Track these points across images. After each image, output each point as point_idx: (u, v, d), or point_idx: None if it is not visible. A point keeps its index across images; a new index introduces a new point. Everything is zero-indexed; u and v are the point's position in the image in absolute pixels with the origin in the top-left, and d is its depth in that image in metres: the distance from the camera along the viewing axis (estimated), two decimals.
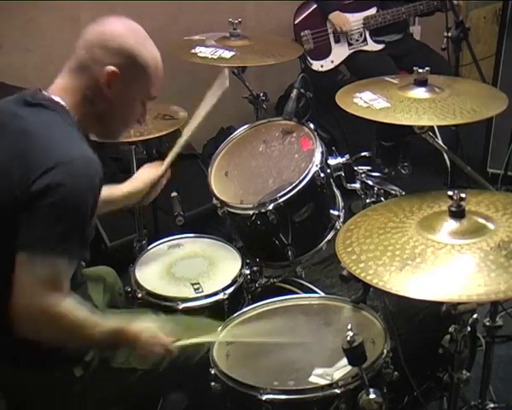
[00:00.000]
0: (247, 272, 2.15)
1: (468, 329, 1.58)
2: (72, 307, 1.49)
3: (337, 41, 3.58)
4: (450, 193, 1.48)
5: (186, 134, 2.10)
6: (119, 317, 1.68)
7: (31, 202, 1.43)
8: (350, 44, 3.58)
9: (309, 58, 3.55)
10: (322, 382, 1.54)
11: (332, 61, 3.58)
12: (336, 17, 3.52)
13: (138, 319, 1.64)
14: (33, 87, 1.62)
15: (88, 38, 1.59)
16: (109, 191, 1.95)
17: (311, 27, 3.55)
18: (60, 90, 1.59)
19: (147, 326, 1.63)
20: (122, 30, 1.60)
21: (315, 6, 3.61)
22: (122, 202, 2.03)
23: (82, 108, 1.58)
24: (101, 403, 1.73)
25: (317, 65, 3.56)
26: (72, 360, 1.64)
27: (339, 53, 3.59)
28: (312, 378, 1.57)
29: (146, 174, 2.05)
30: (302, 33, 3.53)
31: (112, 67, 1.55)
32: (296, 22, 3.59)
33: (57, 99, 1.56)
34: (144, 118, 1.72)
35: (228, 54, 2.56)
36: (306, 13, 3.60)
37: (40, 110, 1.54)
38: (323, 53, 3.58)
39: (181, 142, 2.08)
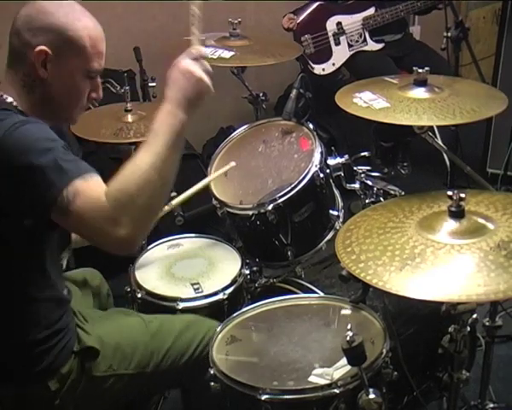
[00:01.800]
0: (247, 272, 2.15)
1: (468, 329, 1.58)
2: (110, 183, 1.39)
3: (337, 43, 3.58)
4: (449, 193, 1.48)
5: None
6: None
7: (8, 175, 1.38)
8: (350, 46, 3.58)
9: (310, 62, 3.54)
10: (322, 382, 1.54)
11: (333, 64, 3.58)
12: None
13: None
14: None
15: (16, 23, 1.54)
16: None
17: (311, 31, 3.55)
18: (6, 87, 1.54)
19: (169, 80, 1.49)
20: (48, 7, 1.52)
21: (313, 8, 3.60)
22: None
23: (26, 98, 1.53)
24: None
25: (318, 69, 3.56)
26: (45, 373, 1.59)
27: (340, 55, 3.59)
28: (312, 378, 1.57)
29: None
30: (302, 38, 3.52)
31: (41, 46, 1.48)
32: (296, 27, 3.58)
33: (4, 96, 1.52)
34: (98, 94, 1.62)
35: (227, 54, 2.56)
36: (305, 16, 3.60)
37: None
38: (324, 56, 3.58)
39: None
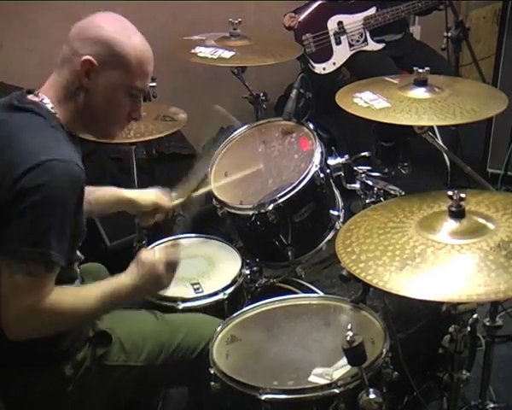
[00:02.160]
0: (247, 272, 2.15)
1: (468, 329, 1.58)
2: (57, 296, 1.48)
3: (338, 43, 3.58)
4: (450, 193, 1.48)
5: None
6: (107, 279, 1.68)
7: (10, 205, 1.42)
8: (351, 45, 3.58)
9: (311, 61, 3.54)
10: (322, 381, 1.54)
11: (334, 63, 3.58)
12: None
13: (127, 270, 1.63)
14: (23, 89, 1.61)
15: (71, 32, 1.59)
16: (115, 193, 1.96)
17: (312, 30, 3.54)
18: (47, 90, 1.59)
19: (136, 264, 1.62)
20: (101, 21, 1.58)
21: (314, 7, 3.60)
22: (123, 207, 2.01)
23: (66, 105, 1.57)
24: (98, 402, 1.72)
25: (319, 68, 3.56)
26: (61, 358, 1.63)
27: (340, 54, 3.59)
28: (312, 378, 1.57)
29: (155, 196, 2.02)
30: (303, 37, 3.52)
31: (87, 56, 1.53)
32: (297, 26, 3.58)
33: (44, 100, 1.56)
34: (139, 114, 1.67)
35: (228, 54, 2.57)
36: (306, 15, 3.60)
37: (24, 114, 1.53)
38: (325, 55, 3.57)
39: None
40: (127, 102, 1.62)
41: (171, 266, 1.65)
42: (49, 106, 1.56)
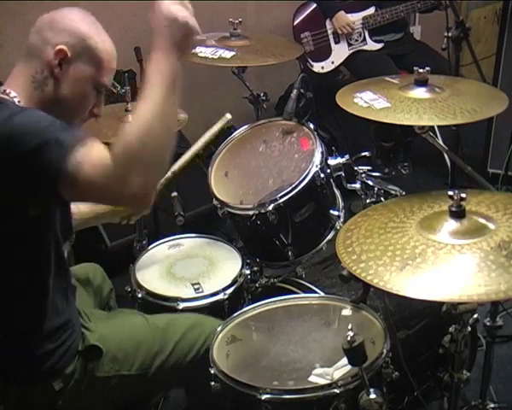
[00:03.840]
0: (248, 272, 2.15)
1: (469, 329, 1.58)
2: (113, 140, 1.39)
3: (337, 42, 3.58)
4: (450, 193, 1.48)
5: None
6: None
7: (12, 162, 1.38)
8: (350, 45, 3.59)
9: (310, 60, 3.55)
10: (322, 381, 1.54)
11: (332, 62, 3.59)
12: (339, 19, 3.52)
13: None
14: None
15: (38, 23, 1.58)
16: (92, 208, 1.94)
17: (311, 29, 3.55)
18: (11, 82, 1.57)
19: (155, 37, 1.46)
20: (74, 15, 1.58)
21: (313, 7, 3.61)
22: (106, 220, 2.01)
23: (32, 95, 1.55)
24: None
25: (317, 66, 3.57)
26: (49, 374, 1.60)
27: (339, 53, 3.59)
28: (312, 378, 1.57)
29: None
30: (302, 35, 3.53)
31: (61, 46, 1.53)
32: (295, 24, 3.59)
33: (11, 94, 1.53)
34: (100, 110, 1.65)
35: (228, 54, 2.56)
36: (305, 14, 3.61)
37: None
38: (324, 54, 3.58)
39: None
40: (92, 97, 1.61)
41: (185, 5, 1.50)
42: (16, 99, 1.53)
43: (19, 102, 1.53)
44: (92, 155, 1.38)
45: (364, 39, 3.59)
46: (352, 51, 3.59)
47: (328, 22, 3.57)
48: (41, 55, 1.54)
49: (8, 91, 1.53)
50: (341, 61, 3.60)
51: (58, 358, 1.60)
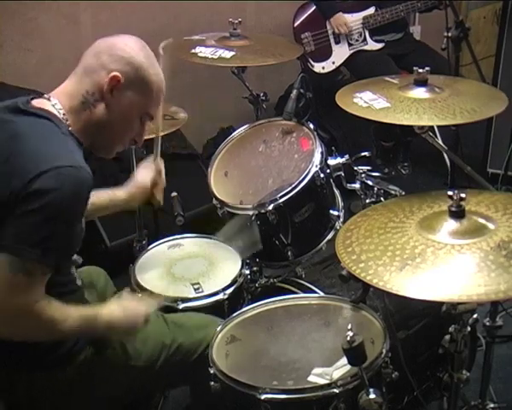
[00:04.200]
0: (247, 272, 2.14)
1: (468, 329, 1.58)
2: (45, 305, 1.49)
3: (337, 42, 3.58)
4: (450, 193, 1.48)
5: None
6: (94, 305, 1.69)
7: (17, 205, 1.42)
8: (350, 45, 3.59)
9: (310, 60, 3.55)
10: (322, 381, 1.54)
11: (333, 63, 3.59)
12: (336, 19, 3.53)
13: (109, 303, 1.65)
14: (28, 94, 1.62)
15: (98, 45, 1.62)
16: (110, 196, 1.96)
17: (311, 29, 3.55)
18: (60, 93, 1.60)
19: (118, 303, 1.64)
20: (133, 44, 1.62)
21: (314, 7, 3.61)
22: (124, 206, 2.03)
23: (80, 114, 1.58)
24: (99, 402, 1.72)
25: (318, 67, 3.56)
26: (63, 360, 1.63)
27: (339, 54, 3.59)
28: (311, 378, 1.57)
29: (143, 176, 2.04)
30: (302, 35, 3.53)
31: (116, 73, 1.56)
32: (296, 25, 3.59)
33: (57, 106, 1.56)
34: (141, 139, 1.72)
35: (228, 54, 2.56)
36: (306, 15, 3.61)
37: (32, 117, 1.53)
38: (324, 54, 3.58)
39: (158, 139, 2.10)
40: (137, 126, 1.66)
41: (147, 320, 1.68)
42: (61, 112, 1.56)
43: (64, 114, 1.56)
44: (38, 284, 1.46)
45: (365, 39, 3.59)
46: (352, 51, 3.59)
47: (328, 22, 3.57)
48: (95, 78, 1.57)
49: (56, 105, 1.56)
50: (342, 61, 3.60)
51: (72, 344, 1.63)
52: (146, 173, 2.05)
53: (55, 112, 1.56)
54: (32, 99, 1.58)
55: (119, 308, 1.63)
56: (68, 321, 1.53)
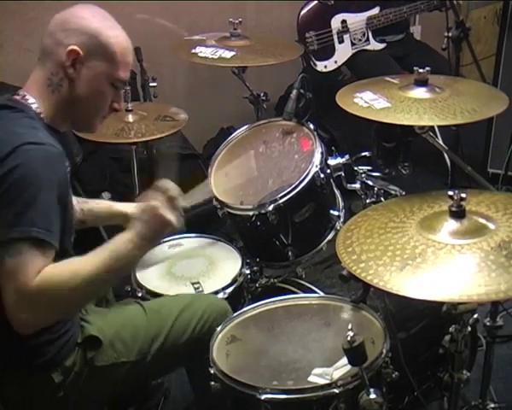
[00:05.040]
0: (248, 271, 2.15)
1: (469, 329, 1.58)
2: (47, 273, 1.43)
3: (341, 41, 3.58)
4: (450, 193, 1.48)
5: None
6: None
7: None
8: (353, 44, 3.58)
9: (313, 59, 3.54)
10: (322, 381, 1.54)
11: (335, 62, 3.58)
12: None
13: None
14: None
15: (50, 25, 1.60)
16: (109, 206, 1.96)
17: (315, 28, 3.54)
18: (29, 87, 1.59)
19: (139, 212, 1.62)
20: (84, 13, 1.59)
21: (319, 6, 3.60)
22: (117, 221, 1.98)
23: (50, 98, 1.57)
24: (94, 401, 1.72)
25: (320, 66, 3.56)
26: (48, 366, 1.60)
27: (342, 53, 3.59)
28: (311, 378, 1.56)
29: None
30: (307, 34, 3.52)
31: (73, 46, 1.54)
32: (300, 23, 3.58)
33: (29, 100, 1.56)
34: (120, 105, 1.69)
35: (228, 54, 2.56)
36: (310, 13, 3.59)
37: (4, 111, 1.53)
38: (327, 53, 3.57)
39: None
40: (110, 93, 1.64)
41: (174, 204, 1.64)
42: (32, 101, 1.56)
43: (37, 107, 1.56)
44: (30, 261, 1.41)
45: (368, 39, 3.59)
46: (354, 51, 3.59)
47: (333, 21, 3.56)
48: (54, 58, 1.56)
49: (27, 97, 1.56)
50: (344, 60, 3.59)
51: (58, 349, 1.61)
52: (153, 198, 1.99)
53: (24, 102, 1.56)
54: (12, 96, 1.59)
55: (139, 215, 1.59)
56: (87, 270, 1.46)
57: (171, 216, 1.60)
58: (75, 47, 1.54)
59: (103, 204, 1.96)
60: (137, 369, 1.74)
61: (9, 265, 1.40)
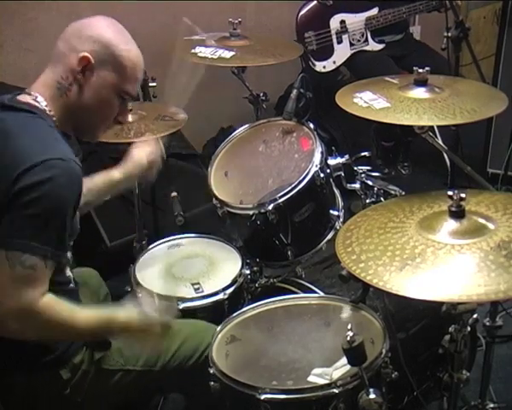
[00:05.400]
0: (247, 272, 2.15)
1: (468, 329, 1.58)
2: (53, 302, 1.48)
3: (340, 42, 3.58)
4: (450, 193, 1.48)
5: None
6: (107, 306, 1.69)
7: (10, 201, 1.42)
8: (351, 45, 3.58)
9: (312, 59, 3.54)
10: (321, 381, 1.54)
11: (334, 62, 3.58)
12: None
13: (125, 305, 1.62)
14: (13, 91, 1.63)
15: (66, 31, 1.62)
16: (105, 178, 1.96)
17: (314, 28, 3.54)
18: (39, 86, 1.60)
19: (137, 310, 1.62)
20: (101, 23, 1.62)
21: (317, 6, 3.60)
22: (122, 186, 2.03)
23: (58, 101, 1.59)
24: (96, 405, 1.72)
25: (319, 66, 3.56)
26: (57, 362, 1.62)
27: (341, 53, 3.59)
28: (311, 378, 1.57)
29: (139, 152, 2.05)
30: (306, 34, 3.52)
31: (85, 53, 1.56)
32: (299, 23, 3.58)
33: (38, 99, 1.57)
34: (125, 118, 1.73)
35: (228, 54, 2.56)
36: (309, 13, 3.60)
37: (19, 113, 1.54)
38: (326, 54, 3.57)
39: None
40: (117, 105, 1.65)
41: (166, 329, 1.65)
42: (44, 104, 1.57)
43: (46, 106, 1.57)
44: (37, 278, 1.45)
45: (366, 40, 3.58)
46: (353, 51, 3.59)
47: (331, 22, 3.56)
48: (66, 62, 1.58)
49: (38, 99, 1.57)
50: (343, 61, 3.59)
51: (66, 347, 1.63)
52: (141, 150, 2.06)
53: (39, 105, 1.57)
54: (17, 95, 1.59)
55: (139, 315, 1.61)
56: (83, 322, 1.52)
57: (159, 342, 1.67)
58: (87, 54, 1.56)
59: (98, 180, 1.96)
60: (142, 380, 1.74)
61: (22, 274, 1.43)
